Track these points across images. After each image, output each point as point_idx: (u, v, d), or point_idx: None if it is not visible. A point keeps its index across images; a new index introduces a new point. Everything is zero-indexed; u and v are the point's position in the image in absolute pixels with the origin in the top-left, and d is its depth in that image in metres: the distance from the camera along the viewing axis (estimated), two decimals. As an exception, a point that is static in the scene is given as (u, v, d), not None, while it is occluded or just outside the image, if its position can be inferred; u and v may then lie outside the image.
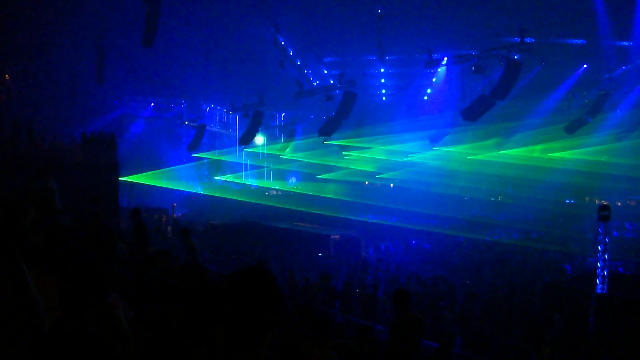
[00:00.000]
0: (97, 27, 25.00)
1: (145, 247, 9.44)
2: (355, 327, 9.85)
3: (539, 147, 33.78)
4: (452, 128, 30.25)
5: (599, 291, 12.50)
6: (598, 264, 12.84)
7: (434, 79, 28.44)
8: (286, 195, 41.99)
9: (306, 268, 19.62)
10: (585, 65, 26.47)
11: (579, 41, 24.31)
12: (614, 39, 22.75)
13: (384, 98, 35.83)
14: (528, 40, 20.48)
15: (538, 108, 30.11)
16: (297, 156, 40.54)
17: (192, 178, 40.35)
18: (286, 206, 35.88)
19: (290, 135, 40.51)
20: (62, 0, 22.88)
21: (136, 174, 34.28)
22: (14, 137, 17.70)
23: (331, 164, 41.15)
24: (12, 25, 22.85)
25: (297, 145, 39.85)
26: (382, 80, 31.92)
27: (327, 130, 28.19)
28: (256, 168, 43.34)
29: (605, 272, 12.69)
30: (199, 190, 40.11)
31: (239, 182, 42.22)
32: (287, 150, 40.68)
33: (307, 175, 43.04)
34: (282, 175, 45.30)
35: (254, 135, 33.09)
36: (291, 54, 27.08)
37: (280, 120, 43.06)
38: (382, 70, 29.71)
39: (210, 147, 41.03)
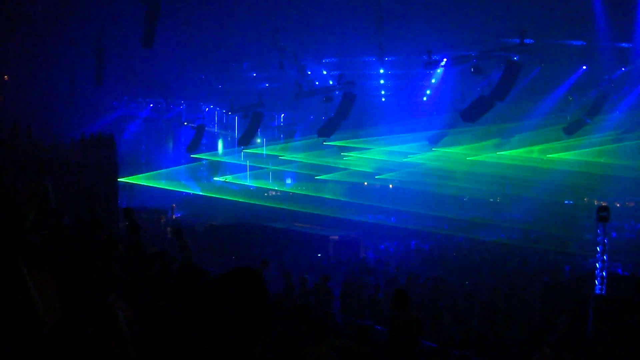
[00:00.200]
0: (96, 29, 25.00)
1: (138, 247, 9.39)
2: (354, 328, 9.87)
3: (538, 148, 33.81)
4: (451, 129, 30.25)
5: (597, 292, 12.51)
6: (597, 264, 12.84)
7: (433, 80, 28.45)
8: (285, 196, 41.98)
9: (306, 269, 19.62)
10: (584, 67, 26.48)
11: (578, 42, 24.33)
12: (613, 41, 22.76)
13: (383, 99, 35.83)
14: (527, 41, 20.49)
15: (537, 109, 30.11)
16: (296, 157, 40.53)
17: (191, 179, 40.35)
18: (285, 207, 35.89)
19: (290, 136, 40.49)
20: (61, 2, 22.87)
21: (135, 175, 34.28)
22: (13, 138, 17.69)
23: (330, 164, 41.15)
24: (11, 27, 22.86)
25: (296, 146, 39.83)
26: (382, 81, 31.93)
27: (326, 131, 28.20)
28: (255, 169, 43.32)
29: (604, 273, 12.69)
30: (198, 191, 40.09)
31: (238, 183, 42.20)
32: (287, 151, 40.66)
33: (306, 176, 43.03)
34: (279, 176, 45.30)
35: (253, 136, 33.09)
36: (291, 55, 27.06)
37: (279, 121, 43.05)
38: (382, 71, 29.71)
39: (210, 148, 41.02)
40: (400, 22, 23.47)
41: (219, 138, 43.05)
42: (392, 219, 36.17)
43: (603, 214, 12.79)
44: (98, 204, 12.46)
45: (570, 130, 27.59)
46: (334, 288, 15.48)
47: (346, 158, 40.19)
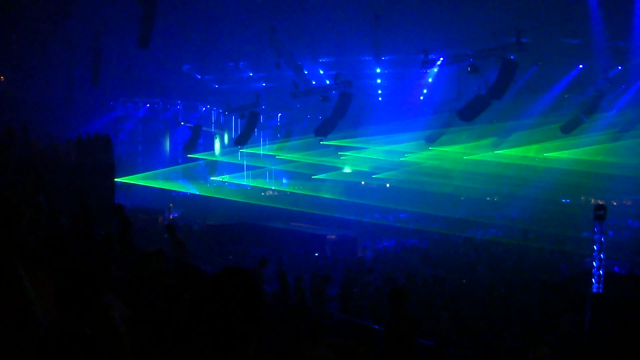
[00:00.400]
0: (92, 29, 24.99)
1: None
2: (352, 327, 9.86)
3: (535, 146, 33.86)
4: (448, 128, 30.28)
5: (594, 290, 12.53)
6: (594, 263, 12.87)
7: (429, 79, 28.47)
8: (282, 195, 41.98)
9: (303, 268, 19.60)
10: (580, 65, 26.51)
11: (574, 41, 24.37)
12: (610, 39, 22.79)
13: (380, 98, 35.86)
14: (524, 40, 20.50)
15: (534, 108, 30.15)
16: (293, 156, 40.55)
17: (188, 179, 40.33)
18: (282, 206, 35.88)
19: (287, 136, 40.51)
20: (58, 2, 22.85)
21: (132, 175, 34.25)
22: (9, 140, 17.65)
23: (327, 164, 41.19)
24: (7, 27, 22.82)
25: (293, 146, 39.84)
26: (378, 81, 31.96)
27: (323, 130, 28.22)
28: (252, 169, 43.34)
29: (601, 272, 12.72)
30: (195, 191, 40.07)
31: (235, 182, 42.20)
32: (284, 150, 40.66)
33: (303, 175, 43.07)
34: (275, 176, 45.33)
35: (250, 136, 33.09)
36: (287, 54, 27.06)
37: (276, 121, 43.06)
38: (378, 70, 29.74)
39: (206, 148, 41.02)
40: (397, 22, 23.50)
41: (216, 138, 43.05)
42: (389, 217, 36.18)
43: (600, 213, 12.81)
44: (92, 202, 12.45)
45: (567, 128, 27.61)
46: (332, 287, 15.49)
47: (343, 157, 40.23)
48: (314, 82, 30.21)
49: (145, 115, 39.60)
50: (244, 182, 42.37)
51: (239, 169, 42.84)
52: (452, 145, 34.79)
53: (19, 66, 26.46)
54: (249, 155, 41.08)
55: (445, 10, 22.53)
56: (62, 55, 26.86)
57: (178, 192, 39.43)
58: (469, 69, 22.78)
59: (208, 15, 24.23)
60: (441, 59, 24.47)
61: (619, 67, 25.33)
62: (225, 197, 38.21)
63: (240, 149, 36.57)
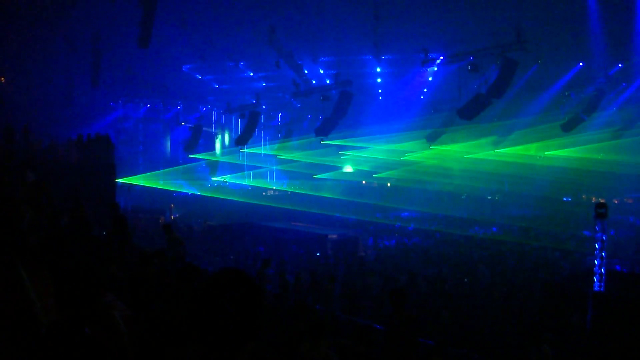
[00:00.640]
0: (92, 30, 24.99)
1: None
2: (353, 327, 9.85)
3: (535, 145, 33.84)
4: (449, 127, 30.27)
5: (596, 289, 12.51)
6: (595, 261, 12.85)
7: (430, 78, 28.46)
8: (283, 195, 42.00)
9: (304, 268, 19.59)
10: (581, 64, 26.49)
11: (574, 40, 24.33)
12: (610, 37, 22.76)
13: (380, 97, 35.86)
14: (524, 39, 20.49)
15: (534, 106, 30.13)
16: (294, 156, 40.56)
17: (188, 179, 40.35)
18: (283, 206, 35.89)
19: (287, 136, 40.52)
20: (58, 3, 22.84)
21: (133, 175, 34.27)
22: (9, 140, 17.65)
23: (328, 163, 41.20)
24: (7, 28, 22.82)
25: (293, 145, 39.87)
26: (379, 80, 31.95)
27: (323, 130, 28.22)
28: (253, 169, 43.35)
29: (602, 270, 12.70)
30: (196, 191, 40.10)
31: (236, 182, 42.22)
32: (284, 150, 40.68)
33: (304, 175, 43.09)
34: (276, 176, 45.33)
35: (251, 136, 33.08)
36: (287, 54, 27.04)
37: (277, 121, 43.08)
38: (379, 69, 29.72)
39: (207, 148, 41.03)
40: (397, 20, 23.47)
41: (217, 138, 43.05)
42: (390, 217, 36.19)
43: (601, 211, 12.80)
44: (93, 203, 12.45)
45: (568, 127, 27.59)
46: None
47: (344, 157, 40.24)
48: (314, 82, 30.21)
49: (146, 115, 39.64)
50: (245, 182, 42.39)
51: (239, 169, 42.85)
52: (452, 144, 34.79)
53: (19, 67, 26.47)
54: (249, 155, 41.09)
55: (445, 9, 22.50)
56: (63, 56, 26.87)
57: (179, 193, 39.46)
58: (469, 67, 22.77)
59: (208, 15, 24.23)
60: (441, 57, 24.47)
61: (619, 65, 25.32)
62: (226, 197, 38.23)
63: (240, 149, 36.57)
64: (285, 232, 27.72)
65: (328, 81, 29.54)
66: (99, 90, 29.35)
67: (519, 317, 13.07)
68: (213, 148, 42.43)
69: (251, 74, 32.87)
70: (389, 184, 44.12)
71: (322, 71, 30.45)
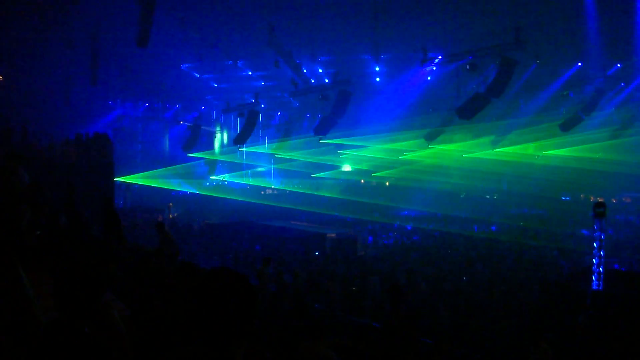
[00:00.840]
0: (91, 29, 24.95)
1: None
2: (352, 326, 9.86)
3: (534, 144, 33.85)
4: (448, 126, 30.28)
5: (594, 288, 12.53)
6: (594, 260, 12.87)
7: (428, 78, 28.45)
8: (282, 194, 42.01)
9: (303, 267, 19.58)
10: (579, 63, 26.50)
11: (573, 39, 24.34)
12: (608, 38, 22.77)
13: (379, 97, 35.85)
14: (523, 38, 20.49)
15: (533, 106, 30.14)
16: (293, 155, 40.55)
17: (187, 178, 40.35)
18: (282, 205, 35.90)
19: (286, 135, 40.53)
20: (56, 2, 22.81)
21: (132, 174, 34.27)
22: (7, 140, 17.61)
23: (327, 162, 41.20)
24: (5, 27, 22.78)
25: (292, 144, 39.85)
26: (377, 79, 31.94)
27: (322, 129, 28.22)
28: (251, 167, 43.37)
29: (600, 269, 12.72)
30: (194, 190, 40.10)
31: (234, 181, 42.22)
32: (283, 149, 40.67)
33: (303, 174, 43.08)
34: (273, 175, 45.33)
35: (249, 135, 33.07)
36: (286, 53, 27.02)
37: (275, 120, 43.07)
38: (377, 69, 29.70)
39: (206, 147, 41.02)
40: (396, 20, 23.47)
41: (215, 137, 43.05)
42: (389, 216, 36.20)
43: (599, 210, 12.82)
44: (90, 201, 12.42)
45: (566, 126, 27.60)
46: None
47: (342, 156, 40.24)
48: (312, 81, 30.19)
49: (144, 114, 39.63)
50: (244, 181, 42.39)
51: (238, 168, 42.85)
52: (451, 144, 34.78)
53: (17, 66, 26.43)
54: (248, 154, 41.08)
55: (444, 8, 22.50)
56: (61, 55, 26.81)
57: (177, 192, 39.46)
58: (467, 67, 22.78)
59: (207, 14, 24.21)
60: (440, 57, 24.46)
61: (618, 65, 25.33)
62: (225, 196, 38.24)
63: (239, 148, 36.56)
64: (284, 231, 27.72)
65: (327, 80, 29.53)
66: (98, 89, 29.30)
67: (518, 316, 13.07)
68: (212, 147, 42.43)
69: (250, 73, 32.86)
70: (387, 183, 44.13)
71: (320, 70, 30.44)
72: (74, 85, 29.88)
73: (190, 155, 38.65)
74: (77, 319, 2.62)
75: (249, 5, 23.22)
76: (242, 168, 42.88)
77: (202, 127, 38.32)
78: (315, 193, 39.58)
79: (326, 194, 38.85)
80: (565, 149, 32.84)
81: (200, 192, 40.02)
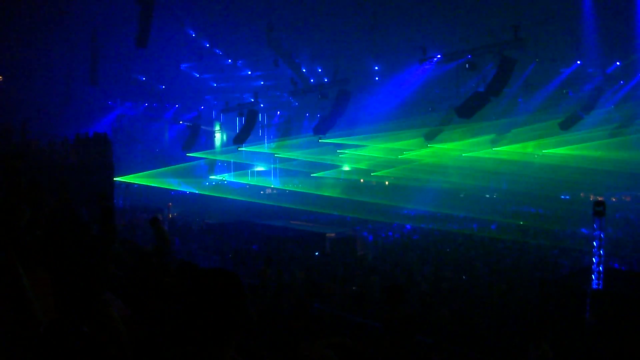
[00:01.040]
0: (90, 29, 24.96)
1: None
2: (352, 325, 9.85)
3: (533, 143, 33.85)
4: (447, 125, 30.28)
5: (594, 287, 12.52)
6: (593, 259, 12.86)
7: (427, 77, 28.44)
8: (281, 193, 42.00)
9: (303, 267, 19.58)
10: (578, 62, 26.51)
11: (572, 38, 24.35)
12: (607, 36, 22.77)
13: (378, 96, 35.86)
14: (522, 37, 20.48)
15: (532, 104, 30.14)
16: (292, 155, 40.56)
17: (187, 177, 40.35)
18: (282, 204, 35.89)
19: (285, 134, 40.54)
20: (56, 2, 22.82)
21: (131, 174, 34.27)
22: (7, 139, 17.61)
23: (327, 162, 41.19)
24: (5, 26, 22.79)
25: (292, 144, 39.85)
26: (377, 78, 31.96)
27: (322, 128, 28.21)
28: (251, 167, 43.39)
29: (600, 268, 12.71)
30: (194, 189, 40.09)
31: (234, 180, 42.22)
32: (282, 148, 40.67)
33: (302, 173, 43.08)
34: (272, 175, 45.35)
35: (249, 134, 33.08)
36: (285, 52, 27.05)
37: (275, 119, 43.08)
38: (376, 68, 29.71)
39: (205, 147, 41.03)
40: (395, 19, 23.48)
41: (215, 136, 43.06)
42: (388, 215, 36.18)
43: (599, 209, 12.81)
44: (89, 201, 12.42)
45: (566, 125, 27.60)
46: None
47: (342, 155, 40.24)
48: (312, 80, 30.20)
49: (144, 114, 39.60)
50: (243, 180, 42.39)
51: (238, 168, 42.85)
52: (450, 143, 34.78)
53: (17, 66, 26.44)
54: (247, 153, 41.08)
55: (443, 7, 22.51)
56: (61, 54, 26.83)
57: (177, 191, 39.46)
58: (467, 66, 22.77)
59: (206, 13, 24.22)
60: (439, 56, 24.46)
61: (617, 63, 25.34)
62: (225, 196, 38.23)
63: (239, 147, 36.60)
64: (284, 231, 27.70)
65: (326, 80, 29.54)
66: (97, 89, 29.31)
67: (518, 315, 13.07)
68: (211, 146, 42.44)
69: (249, 73, 32.87)
70: (387, 183, 44.13)
71: (320, 70, 30.45)
72: (74, 85, 29.88)
73: (189, 155, 38.65)
74: (76, 319, 2.62)
75: (248, 5, 23.23)
76: (241, 167, 42.91)
77: (202, 127, 38.31)
78: (315, 192, 39.56)
79: (326, 194, 38.84)
80: (564, 148, 32.84)
81: (200, 192, 40.01)
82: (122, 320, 2.88)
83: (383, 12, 22.88)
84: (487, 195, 40.97)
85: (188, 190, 40.05)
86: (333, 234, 25.93)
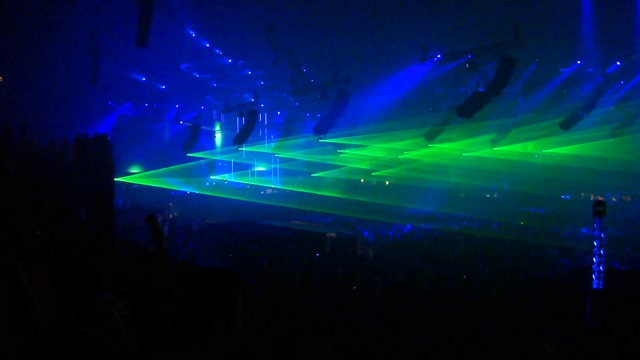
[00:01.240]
0: (90, 29, 24.96)
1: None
2: (352, 325, 9.84)
3: (533, 143, 33.83)
4: (447, 125, 30.25)
5: (595, 287, 12.52)
6: (594, 259, 12.86)
7: (428, 76, 28.43)
8: (282, 193, 42.00)
9: (303, 267, 19.57)
10: (579, 61, 26.50)
11: (572, 37, 24.33)
12: (608, 36, 22.77)
13: (378, 96, 35.84)
14: (522, 36, 20.48)
15: (532, 104, 30.13)
16: (292, 155, 40.54)
17: (187, 178, 40.34)
18: (282, 204, 35.89)
19: (285, 134, 40.51)
20: (56, 2, 22.82)
21: (131, 174, 34.26)
22: (7, 140, 17.61)
23: (327, 161, 41.19)
24: (4, 26, 22.78)
25: (292, 144, 39.83)
26: (376, 78, 31.93)
27: (322, 128, 28.19)
28: (250, 167, 43.39)
29: (601, 268, 12.71)
30: (194, 190, 40.09)
31: (234, 181, 42.22)
32: (283, 148, 40.65)
33: (302, 173, 43.07)
34: (271, 174, 45.33)
35: (249, 134, 33.07)
36: (285, 52, 27.03)
37: (275, 119, 43.05)
38: (376, 68, 29.68)
39: (206, 147, 41.02)
40: (395, 18, 23.47)
41: (215, 137, 43.06)
42: (388, 215, 36.17)
43: (599, 209, 12.81)
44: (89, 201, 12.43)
45: (566, 125, 27.58)
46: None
47: (342, 155, 40.22)
48: (312, 80, 30.18)
49: (144, 114, 39.59)
50: (244, 180, 42.38)
51: (238, 168, 42.84)
52: (450, 142, 34.75)
53: (17, 66, 26.42)
54: (248, 153, 41.06)
55: (443, 7, 22.50)
56: (61, 55, 26.81)
57: (177, 191, 39.45)
58: (467, 65, 22.77)
59: (206, 14, 24.22)
60: (439, 55, 24.44)
61: (618, 63, 25.33)
62: (225, 196, 38.22)
63: (239, 147, 36.59)
64: (284, 231, 27.69)
65: (326, 79, 29.52)
66: (97, 89, 29.31)
67: (518, 315, 13.07)
68: (211, 147, 42.43)
69: (249, 73, 32.85)
70: (387, 182, 44.12)
71: (320, 69, 30.43)
72: (73, 85, 29.86)
73: (190, 155, 38.63)
74: (77, 319, 2.62)
75: (248, 5, 23.23)
76: (242, 168, 42.90)
77: (202, 127, 38.30)
78: (315, 192, 39.56)
79: (326, 194, 38.83)
80: (565, 148, 32.82)
81: (200, 192, 40.00)
82: (122, 320, 2.88)
83: (383, 12, 22.86)
84: (488, 195, 40.96)
85: (188, 190, 40.04)
86: (333, 234, 25.92)
